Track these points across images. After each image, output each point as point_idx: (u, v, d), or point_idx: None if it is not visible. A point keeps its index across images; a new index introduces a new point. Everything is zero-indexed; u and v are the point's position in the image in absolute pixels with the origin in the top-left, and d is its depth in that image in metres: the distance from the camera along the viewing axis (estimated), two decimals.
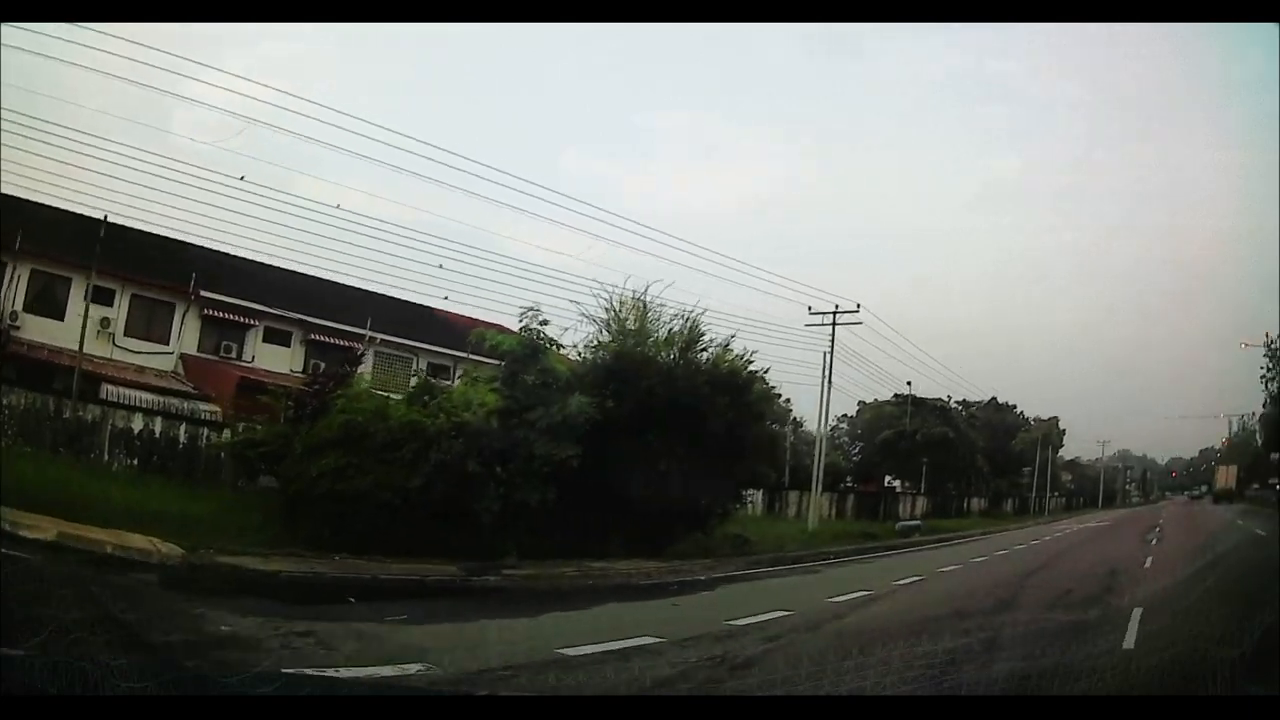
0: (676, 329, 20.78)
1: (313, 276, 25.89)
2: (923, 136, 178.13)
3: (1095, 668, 6.98)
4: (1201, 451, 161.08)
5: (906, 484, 62.39)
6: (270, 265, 25.38)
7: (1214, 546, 25.22)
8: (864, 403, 63.72)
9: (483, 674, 6.72)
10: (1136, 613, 10.35)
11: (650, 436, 18.11)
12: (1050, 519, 65.79)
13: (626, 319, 20.66)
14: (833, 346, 34.28)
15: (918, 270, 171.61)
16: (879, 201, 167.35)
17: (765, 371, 22.22)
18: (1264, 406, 65.47)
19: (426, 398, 17.18)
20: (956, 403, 71.08)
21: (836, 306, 34.38)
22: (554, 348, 18.70)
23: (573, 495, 16.54)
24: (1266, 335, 55.94)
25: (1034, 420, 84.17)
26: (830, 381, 34.35)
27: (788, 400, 51.71)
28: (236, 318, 26.06)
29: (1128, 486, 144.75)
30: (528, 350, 17.99)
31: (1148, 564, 19.78)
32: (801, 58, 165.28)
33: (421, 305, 28.67)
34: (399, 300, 27.93)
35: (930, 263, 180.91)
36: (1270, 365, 55.91)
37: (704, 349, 21.07)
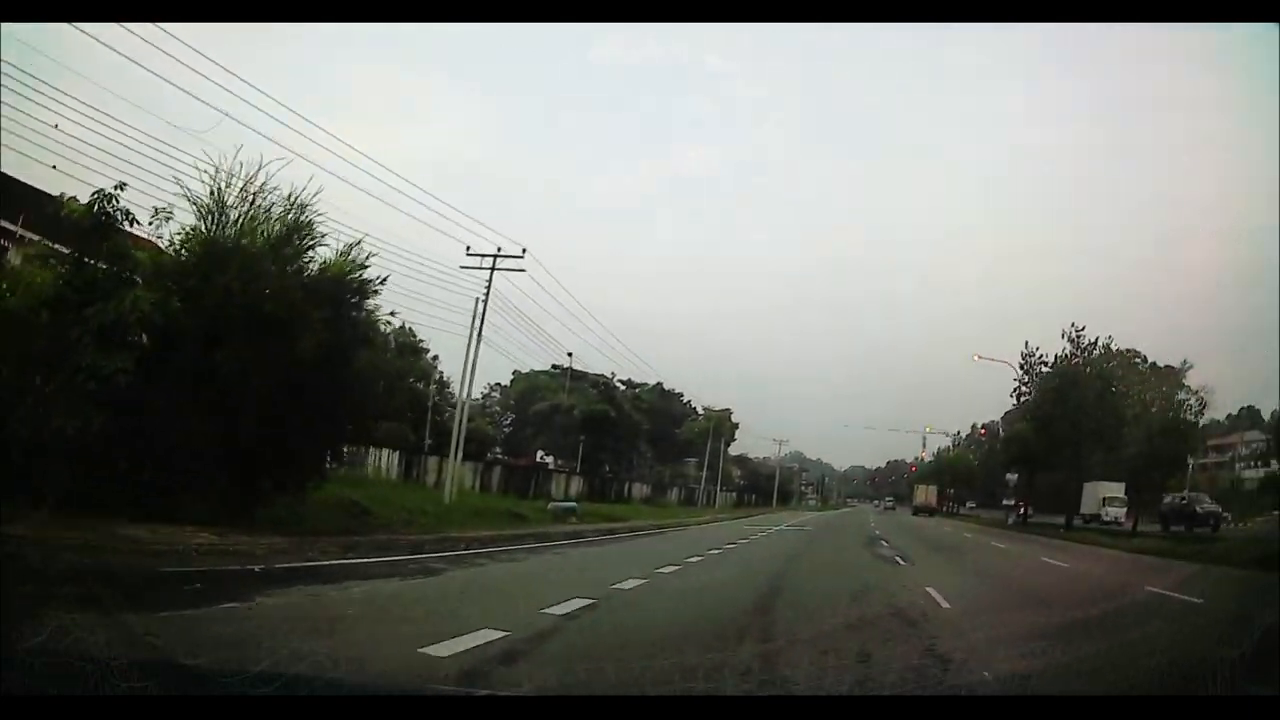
0: (279, 224, 15.97)
1: None
2: (624, 117, 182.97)
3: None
4: (890, 463, 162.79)
5: (561, 461, 59.97)
6: None
7: (1000, 574, 19.93)
8: (519, 372, 61.05)
9: None
10: None
11: (222, 354, 14.17)
12: (727, 514, 59.27)
13: (231, 204, 15.76)
14: (488, 293, 30.29)
15: (601, 248, 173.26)
16: (571, 176, 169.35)
17: (382, 281, 17.23)
18: (1011, 417, 63.20)
19: None
20: (621, 381, 68.75)
21: (499, 249, 30.56)
22: (135, 225, 14.66)
23: (133, 428, 13.16)
24: (1026, 345, 54.76)
25: (704, 410, 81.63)
26: (480, 334, 30.04)
27: (436, 357, 49.28)
28: None
29: (804, 489, 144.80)
30: (96, 222, 13.81)
31: (944, 604, 12.23)
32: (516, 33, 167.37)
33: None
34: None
35: (615, 241, 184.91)
36: (1026, 378, 54.36)
37: (311, 246, 16.25)
